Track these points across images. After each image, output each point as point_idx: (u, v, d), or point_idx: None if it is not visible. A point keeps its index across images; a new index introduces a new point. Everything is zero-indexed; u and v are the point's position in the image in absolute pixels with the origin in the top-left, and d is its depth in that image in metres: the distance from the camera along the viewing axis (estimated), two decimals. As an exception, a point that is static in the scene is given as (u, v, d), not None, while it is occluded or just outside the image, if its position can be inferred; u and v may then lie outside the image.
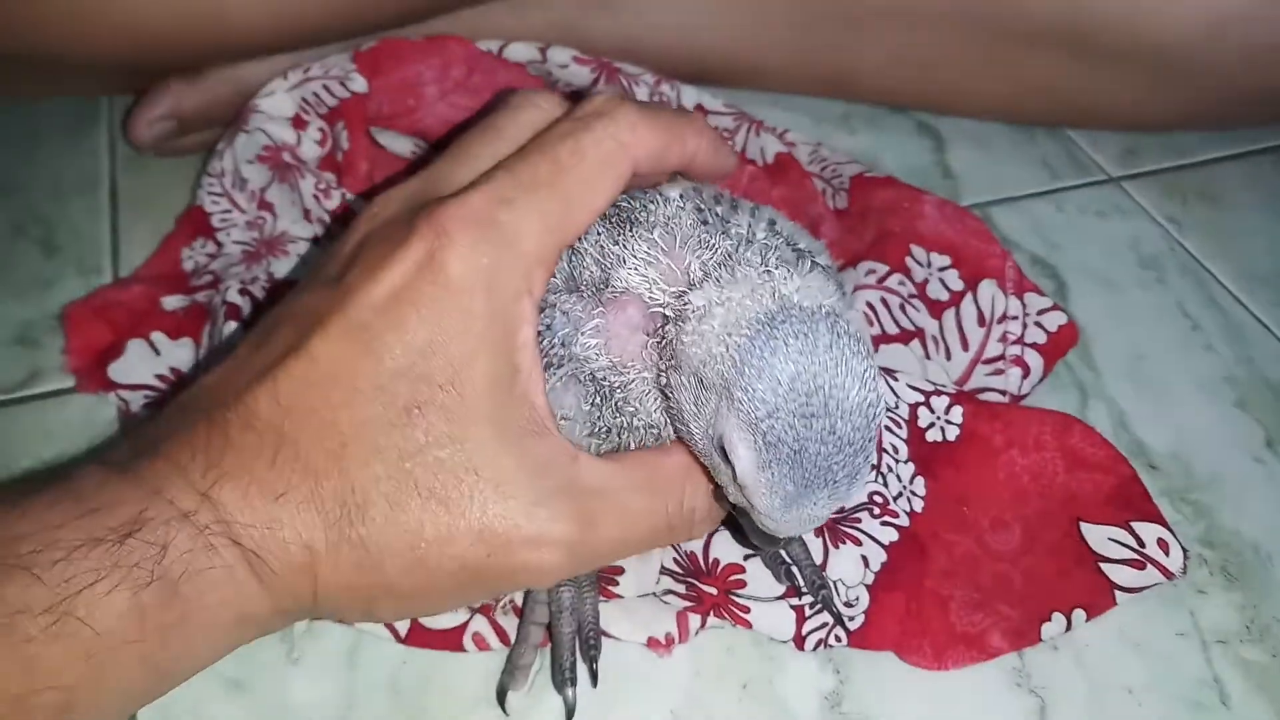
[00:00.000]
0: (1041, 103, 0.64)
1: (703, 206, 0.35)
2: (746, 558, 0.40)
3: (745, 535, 0.39)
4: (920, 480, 0.43)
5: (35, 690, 0.26)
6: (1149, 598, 0.41)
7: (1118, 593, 0.41)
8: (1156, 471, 0.46)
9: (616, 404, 0.34)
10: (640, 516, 0.34)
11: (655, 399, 0.34)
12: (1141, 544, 0.41)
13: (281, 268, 0.49)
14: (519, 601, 0.38)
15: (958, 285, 0.50)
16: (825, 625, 0.39)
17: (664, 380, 0.33)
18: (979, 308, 0.49)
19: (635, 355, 0.34)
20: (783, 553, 0.40)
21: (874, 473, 0.42)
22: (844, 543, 0.40)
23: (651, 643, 0.38)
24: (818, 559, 0.40)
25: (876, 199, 0.54)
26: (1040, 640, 0.39)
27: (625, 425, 0.35)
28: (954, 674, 0.39)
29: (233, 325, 0.45)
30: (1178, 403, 0.50)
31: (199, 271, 0.49)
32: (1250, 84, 0.60)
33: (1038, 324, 0.49)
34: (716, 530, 0.40)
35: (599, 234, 0.34)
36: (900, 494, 0.42)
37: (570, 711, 0.36)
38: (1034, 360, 0.48)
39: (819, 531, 0.40)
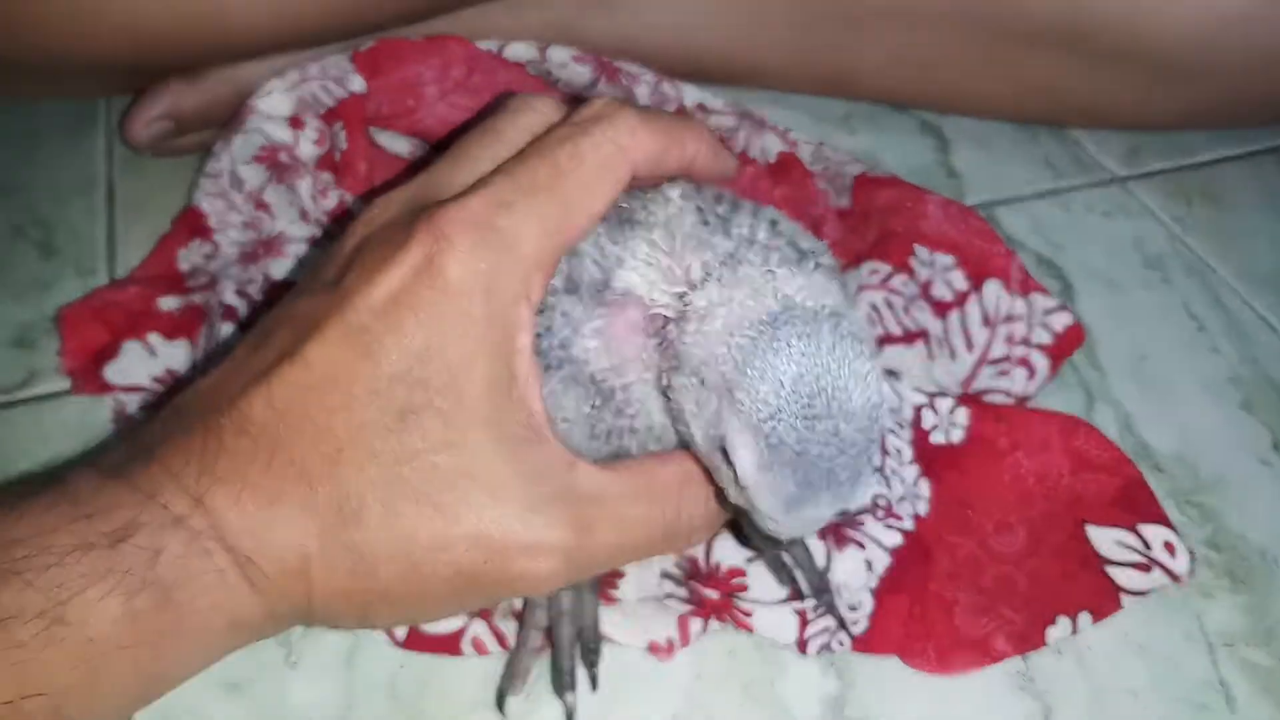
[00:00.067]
0: (1042, 102, 0.64)
1: (704, 207, 0.35)
2: (748, 561, 0.40)
3: (747, 537, 0.39)
4: (924, 483, 0.43)
5: (26, 696, 0.26)
6: (1154, 600, 0.41)
7: (1123, 596, 0.40)
8: (1162, 473, 0.46)
9: (617, 406, 0.34)
10: (637, 524, 0.33)
11: (656, 401, 0.34)
12: (1148, 546, 0.41)
13: (279, 269, 0.48)
14: (518, 605, 0.38)
15: (962, 285, 0.50)
16: (828, 629, 0.38)
17: (665, 382, 0.33)
18: (984, 308, 0.49)
19: (635, 357, 0.34)
20: (785, 556, 0.39)
21: (877, 475, 0.42)
22: (847, 546, 0.40)
23: (653, 647, 0.38)
24: (821, 562, 0.39)
25: (879, 198, 0.54)
26: (1045, 644, 0.39)
27: (626, 427, 0.35)
28: (957, 678, 0.38)
29: (229, 327, 0.44)
30: (1183, 404, 0.49)
31: (195, 272, 0.49)
32: (1251, 84, 0.59)
33: (1043, 325, 0.49)
34: (717, 532, 0.39)
35: (599, 235, 0.34)
36: (904, 497, 0.42)
37: (570, 716, 0.36)
38: (1039, 361, 0.48)
39: (822, 535, 0.40)
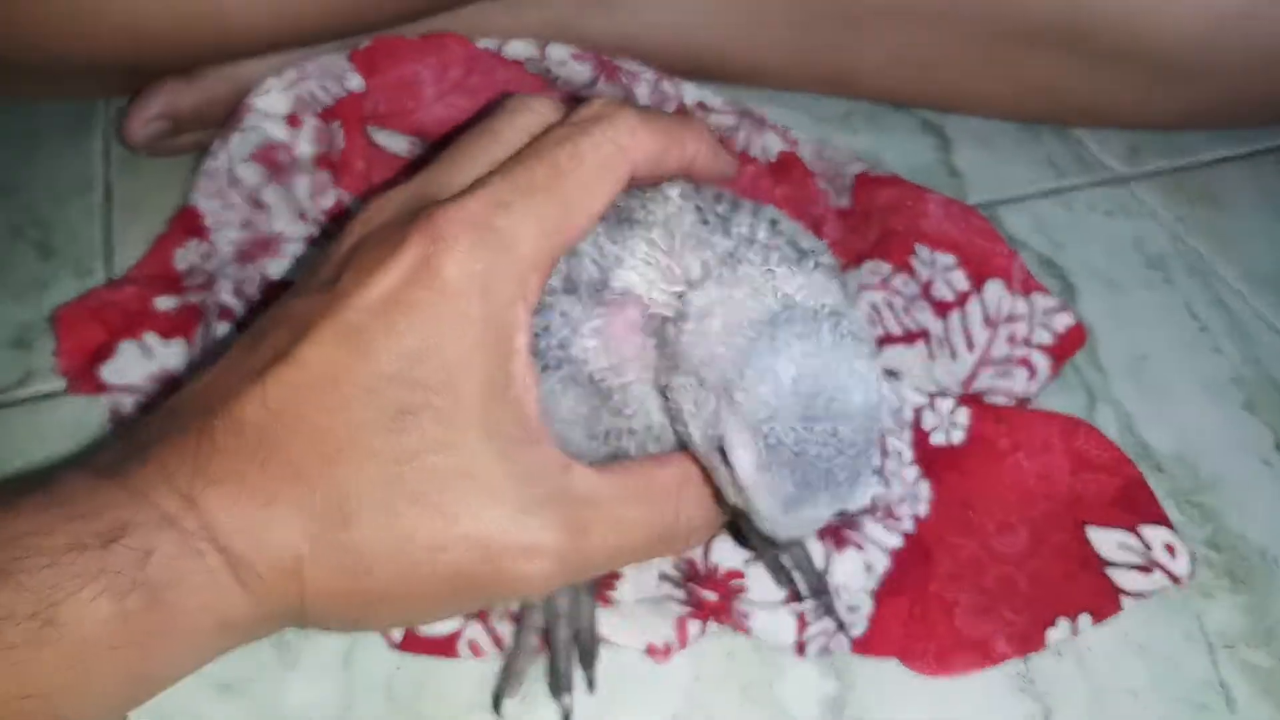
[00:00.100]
0: (1042, 102, 0.64)
1: (703, 206, 0.35)
2: (747, 563, 0.40)
3: (745, 538, 0.39)
4: (925, 484, 0.43)
5: (19, 697, 0.26)
6: (1154, 601, 0.41)
7: (1123, 597, 0.40)
8: (1162, 474, 0.46)
9: (615, 406, 0.34)
10: (633, 526, 0.33)
11: (655, 401, 0.34)
12: (1148, 548, 0.41)
13: (276, 268, 0.48)
14: (515, 607, 0.38)
15: (963, 285, 0.50)
16: (826, 631, 0.38)
17: (663, 381, 0.33)
18: (985, 308, 0.49)
19: (634, 357, 0.33)
20: (784, 558, 0.39)
21: (877, 476, 0.42)
22: (846, 548, 0.40)
23: (650, 649, 0.38)
24: (820, 564, 0.39)
25: (880, 198, 0.54)
26: (1045, 646, 0.39)
27: (625, 428, 0.34)
28: (957, 679, 0.38)
29: (226, 326, 0.44)
30: (1184, 404, 0.49)
31: (192, 272, 0.49)
32: (1251, 84, 0.59)
33: (1044, 325, 0.49)
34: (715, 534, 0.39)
35: (598, 234, 0.34)
36: (904, 498, 0.42)
37: (567, 718, 0.36)
38: (1040, 362, 0.48)
39: (821, 536, 0.40)
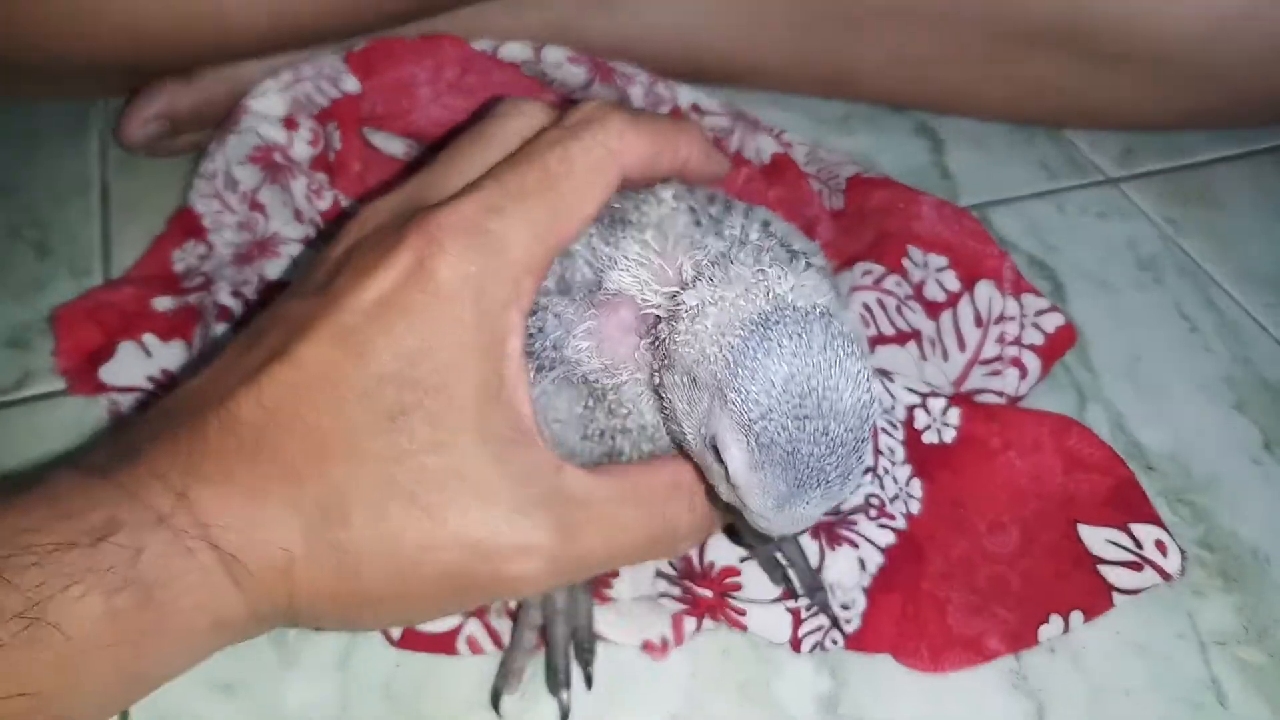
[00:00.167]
0: (1041, 103, 0.64)
1: (696, 207, 0.35)
2: (742, 560, 0.40)
3: (740, 535, 0.39)
4: (917, 482, 0.43)
5: (9, 696, 0.26)
6: (1147, 599, 0.41)
7: (1115, 595, 0.40)
8: (1154, 473, 0.46)
9: (609, 406, 0.34)
10: (625, 529, 0.33)
11: (649, 401, 0.34)
12: (1139, 545, 0.41)
13: (273, 269, 0.48)
14: (513, 605, 0.38)
15: (955, 286, 0.50)
16: (821, 628, 0.38)
17: (657, 381, 0.33)
18: (976, 308, 0.49)
19: (628, 357, 0.34)
20: (778, 556, 0.39)
21: (870, 475, 0.42)
22: (840, 545, 0.40)
23: (647, 646, 0.38)
24: (814, 562, 0.40)
25: (873, 200, 0.54)
26: (1037, 643, 0.39)
27: (618, 427, 0.35)
28: (951, 676, 0.38)
29: (224, 327, 0.44)
30: (1176, 404, 0.49)
31: (190, 273, 0.49)
32: (1250, 84, 0.59)
33: (1035, 325, 0.49)
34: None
35: (591, 235, 0.34)
36: (897, 496, 0.42)
37: (565, 714, 0.36)
38: (1031, 361, 0.48)
39: (816, 534, 0.40)
